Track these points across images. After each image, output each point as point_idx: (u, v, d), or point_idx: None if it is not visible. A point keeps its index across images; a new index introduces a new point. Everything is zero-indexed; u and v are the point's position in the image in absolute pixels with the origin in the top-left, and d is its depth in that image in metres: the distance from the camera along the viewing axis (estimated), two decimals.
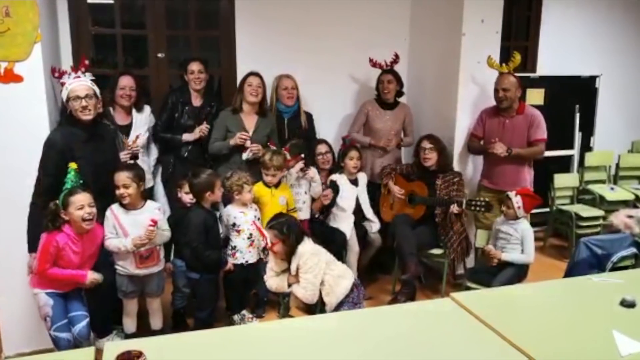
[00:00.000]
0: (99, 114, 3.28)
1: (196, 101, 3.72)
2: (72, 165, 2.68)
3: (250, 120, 3.70)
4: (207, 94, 3.79)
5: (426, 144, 3.79)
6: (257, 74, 3.71)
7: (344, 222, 3.82)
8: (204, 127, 3.61)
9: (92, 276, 2.71)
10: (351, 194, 3.91)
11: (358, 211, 3.95)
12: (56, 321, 2.68)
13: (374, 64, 4.18)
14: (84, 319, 2.75)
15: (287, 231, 2.80)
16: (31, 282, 2.75)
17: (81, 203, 2.60)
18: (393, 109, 4.18)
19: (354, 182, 3.96)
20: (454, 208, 3.60)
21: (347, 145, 4.01)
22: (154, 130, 3.68)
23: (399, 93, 4.20)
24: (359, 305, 2.86)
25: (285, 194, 3.54)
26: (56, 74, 3.16)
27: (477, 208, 3.52)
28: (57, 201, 2.62)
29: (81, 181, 2.69)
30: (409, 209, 3.87)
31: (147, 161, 3.67)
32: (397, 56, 4.18)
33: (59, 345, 2.70)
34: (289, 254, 2.85)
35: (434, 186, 3.79)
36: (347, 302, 2.82)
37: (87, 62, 3.41)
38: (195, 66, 3.66)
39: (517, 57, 3.74)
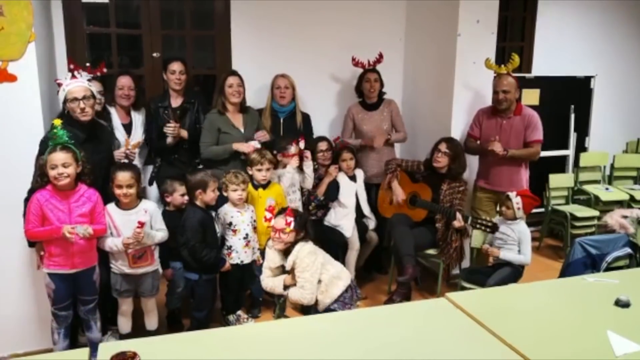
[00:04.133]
0: (99, 112, 3.29)
1: (176, 101, 3.66)
2: (56, 122, 2.65)
3: (237, 119, 3.69)
4: (186, 93, 3.70)
5: (443, 147, 3.71)
6: (235, 74, 3.68)
7: (345, 219, 3.82)
8: (175, 129, 3.48)
9: (67, 229, 2.58)
10: (351, 190, 3.91)
11: (356, 208, 3.94)
12: (57, 302, 2.78)
13: (356, 63, 4.15)
14: (91, 302, 2.86)
15: (302, 227, 2.82)
16: (39, 261, 2.79)
17: (54, 162, 2.58)
18: (377, 107, 4.16)
19: (352, 179, 3.96)
20: (457, 223, 3.51)
21: (339, 147, 4.00)
22: (148, 140, 3.63)
23: (381, 92, 4.18)
24: (349, 307, 2.84)
25: (273, 195, 3.48)
26: (71, 66, 3.23)
27: (483, 228, 3.42)
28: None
29: (66, 137, 2.62)
30: (409, 210, 3.85)
31: (140, 161, 3.65)
32: (381, 55, 4.16)
33: (57, 320, 2.82)
34: (289, 248, 2.83)
35: (438, 190, 3.73)
36: (337, 302, 2.82)
37: (105, 70, 3.53)
38: (177, 66, 3.59)
39: (516, 59, 3.72)
